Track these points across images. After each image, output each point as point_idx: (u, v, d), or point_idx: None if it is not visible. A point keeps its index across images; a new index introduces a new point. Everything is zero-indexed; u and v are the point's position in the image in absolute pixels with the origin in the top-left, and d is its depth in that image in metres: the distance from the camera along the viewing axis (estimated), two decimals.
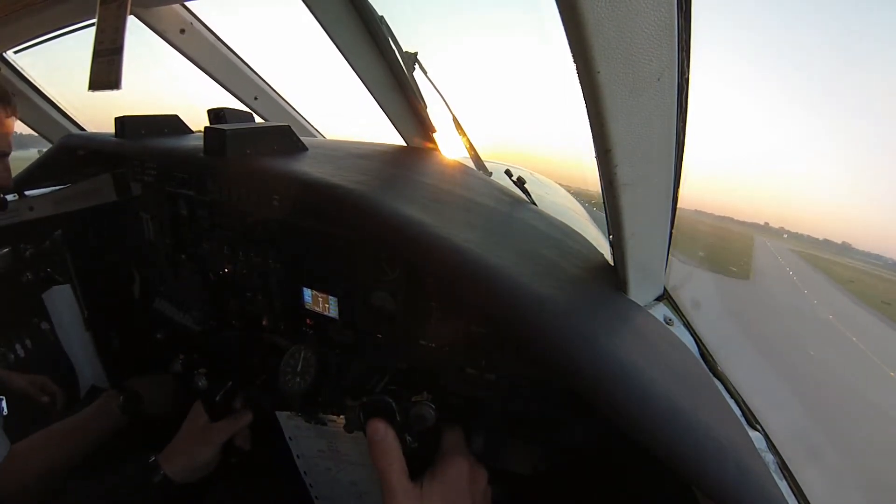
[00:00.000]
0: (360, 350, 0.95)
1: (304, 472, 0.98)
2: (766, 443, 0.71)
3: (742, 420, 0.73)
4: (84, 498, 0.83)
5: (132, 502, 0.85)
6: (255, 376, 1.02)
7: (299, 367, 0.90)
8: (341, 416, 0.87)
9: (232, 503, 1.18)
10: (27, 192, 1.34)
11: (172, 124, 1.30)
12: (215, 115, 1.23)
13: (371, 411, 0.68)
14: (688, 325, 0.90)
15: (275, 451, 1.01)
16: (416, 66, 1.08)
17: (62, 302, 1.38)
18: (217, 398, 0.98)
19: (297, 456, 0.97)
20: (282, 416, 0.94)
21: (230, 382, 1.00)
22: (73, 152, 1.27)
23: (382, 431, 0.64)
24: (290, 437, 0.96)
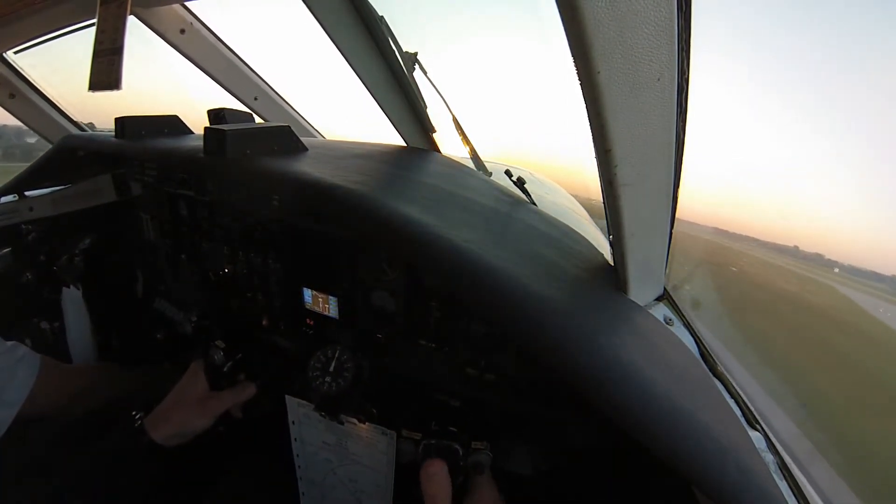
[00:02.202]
0: (365, 349, 0.95)
1: (297, 455, 0.98)
2: (766, 443, 0.71)
3: (742, 420, 0.73)
4: (69, 466, 0.79)
5: (117, 468, 0.80)
6: (257, 376, 1.02)
7: (332, 367, 0.87)
8: (365, 424, 0.88)
9: (213, 470, 1.20)
10: (27, 193, 1.34)
11: (172, 125, 1.30)
12: (215, 115, 1.23)
13: (436, 451, 0.77)
14: (688, 325, 0.90)
15: (268, 426, 1.01)
16: (416, 66, 1.08)
17: (70, 303, 1.39)
18: (225, 368, 0.95)
19: (295, 439, 0.97)
20: (291, 401, 0.94)
21: (240, 354, 0.98)
22: (73, 153, 1.27)
23: (441, 472, 0.74)
24: (292, 421, 0.96)
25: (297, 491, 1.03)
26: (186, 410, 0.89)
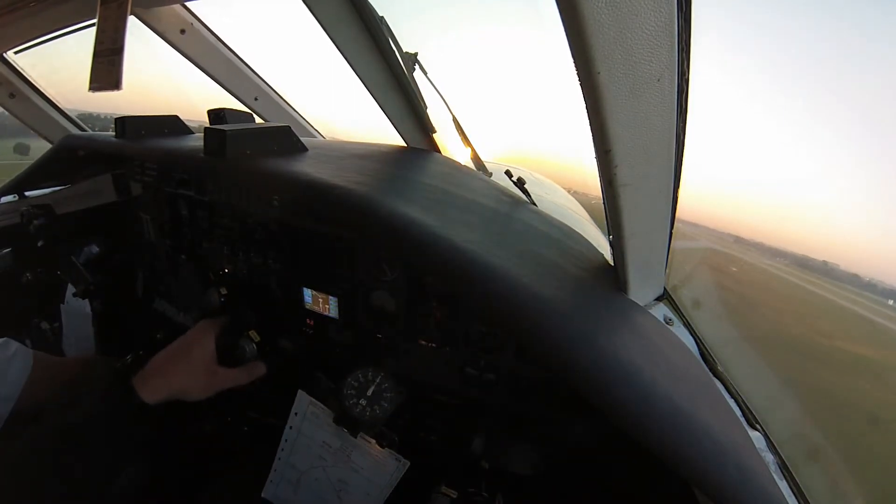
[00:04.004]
0: (361, 351, 0.95)
1: (285, 440, 0.96)
2: (766, 443, 0.71)
3: (742, 420, 0.73)
4: (55, 424, 0.72)
5: (104, 427, 0.73)
6: (271, 362, 1.01)
7: (370, 391, 0.85)
8: (385, 447, 0.86)
9: (198, 435, 1.15)
10: (27, 193, 1.34)
11: (172, 125, 1.30)
12: (215, 115, 1.23)
13: None
14: (688, 325, 0.90)
15: (261, 404, 1.00)
16: (416, 67, 1.08)
17: (70, 303, 1.39)
18: (243, 350, 0.90)
19: (290, 427, 0.96)
20: (303, 396, 0.92)
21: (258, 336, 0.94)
22: (73, 153, 1.27)
23: None
24: (295, 413, 0.95)
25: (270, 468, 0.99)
26: (189, 378, 0.81)
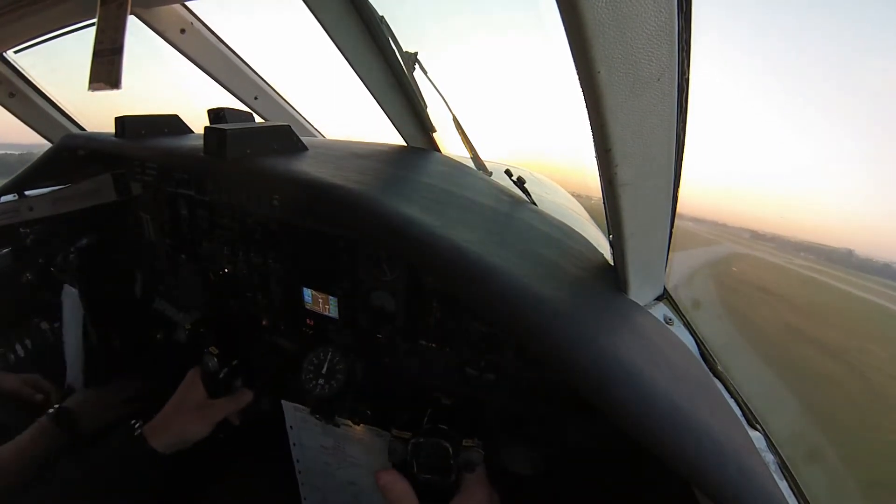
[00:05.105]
0: (360, 351, 0.95)
1: (297, 460, 0.99)
2: (766, 443, 0.71)
3: (742, 420, 0.73)
4: (68, 476, 0.79)
5: (117, 477, 0.81)
6: (254, 382, 1.02)
7: (324, 369, 0.88)
8: (360, 426, 0.88)
9: (213, 477, 1.20)
10: (27, 193, 1.34)
11: (172, 124, 1.30)
12: (215, 114, 1.23)
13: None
14: (688, 325, 0.90)
15: (267, 432, 1.02)
16: (416, 66, 1.08)
17: (68, 302, 1.39)
18: (221, 375, 0.96)
19: (294, 443, 0.97)
20: (288, 405, 0.94)
21: (235, 361, 0.98)
22: (73, 152, 1.27)
23: (392, 481, 0.72)
24: (290, 426, 0.96)
25: (299, 496, 1.03)
26: (184, 418, 0.90)
